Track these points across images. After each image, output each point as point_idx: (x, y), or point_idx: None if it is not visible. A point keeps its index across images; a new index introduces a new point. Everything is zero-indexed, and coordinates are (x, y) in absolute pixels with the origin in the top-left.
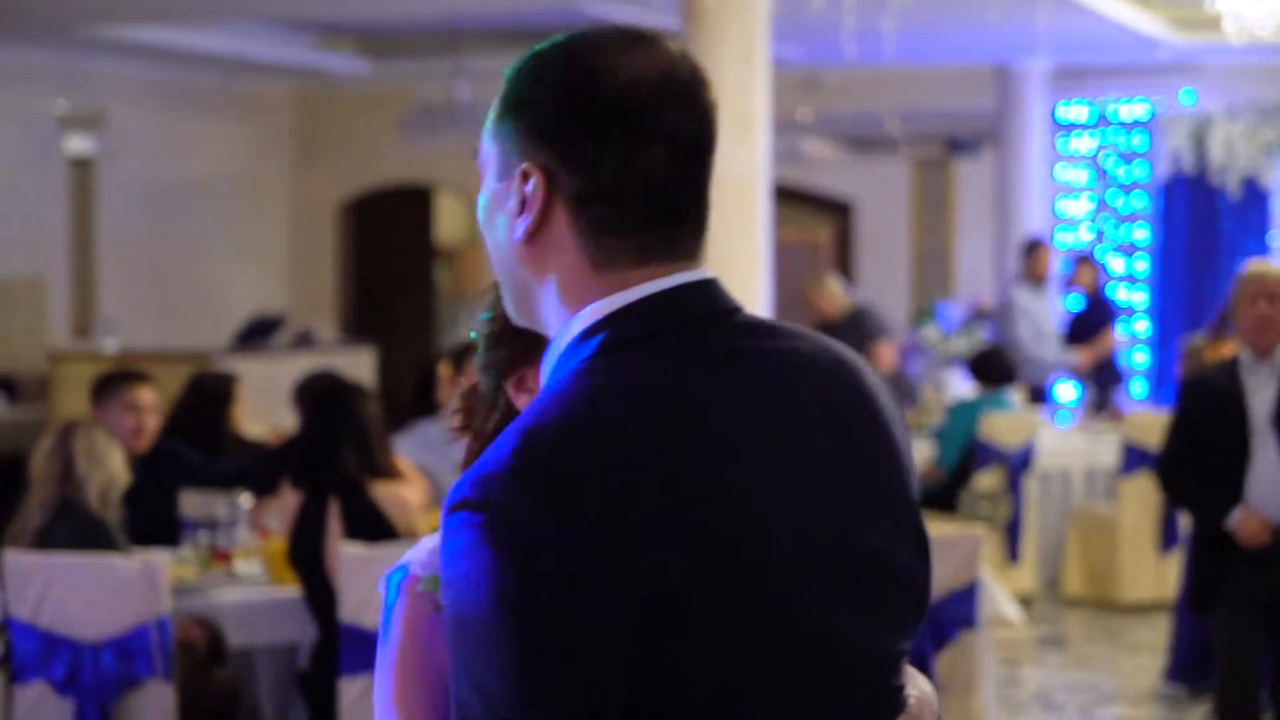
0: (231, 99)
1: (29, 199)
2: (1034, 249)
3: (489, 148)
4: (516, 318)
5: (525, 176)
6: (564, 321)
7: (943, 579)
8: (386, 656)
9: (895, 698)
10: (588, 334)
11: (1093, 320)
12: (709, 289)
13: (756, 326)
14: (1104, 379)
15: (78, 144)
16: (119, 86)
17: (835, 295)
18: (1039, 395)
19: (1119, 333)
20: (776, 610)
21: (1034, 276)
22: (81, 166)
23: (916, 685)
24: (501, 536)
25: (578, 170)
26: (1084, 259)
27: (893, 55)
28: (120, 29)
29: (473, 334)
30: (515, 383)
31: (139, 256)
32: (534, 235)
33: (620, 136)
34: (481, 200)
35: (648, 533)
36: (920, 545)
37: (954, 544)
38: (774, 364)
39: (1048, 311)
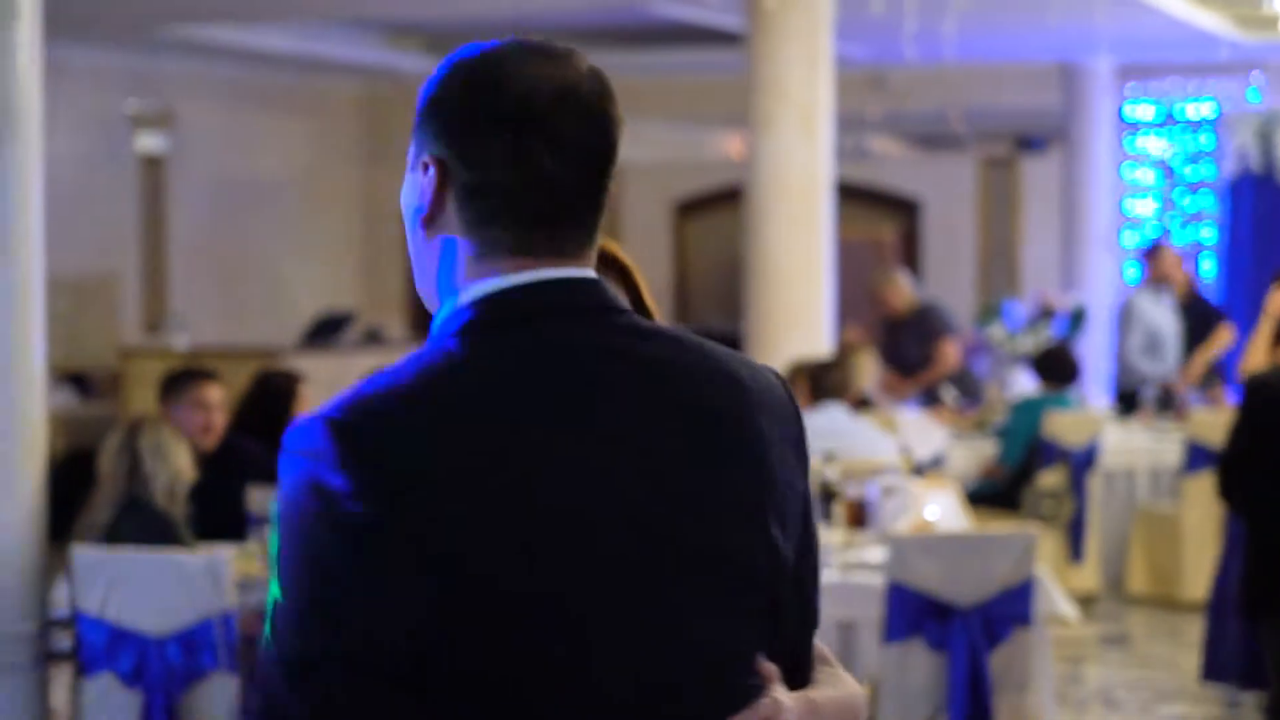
0: (301, 98)
1: (101, 197)
2: (1155, 251)
3: (412, 141)
4: (421, 297)
5: (425, 168)
6: (444, 303)
7: (998, 576)
8: None
9: (724, 692)
10: (456, 315)
11: (1196, 324)
12: (583, 286)
13: (633, 328)
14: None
15: (149, 143)
16: (189, 86)
17: (904, 291)
18: (1130, 402)
19: (1226, 331)
20: (572, 593)
21: (1156, 280)
22: (152, 165)
23: (836, 685)
24: (308, 480)
25: (469, 166)
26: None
27: (955, 54)
28: (191, 29)
29: None
30: None
31: (209, 254)
32: (428, 222)
33: (510, 138)
34: (403, 188)
35: (447, 498)
36: (773, 554)
37: (1009, 541)
38: (633, 364)
39: (1169, 318)
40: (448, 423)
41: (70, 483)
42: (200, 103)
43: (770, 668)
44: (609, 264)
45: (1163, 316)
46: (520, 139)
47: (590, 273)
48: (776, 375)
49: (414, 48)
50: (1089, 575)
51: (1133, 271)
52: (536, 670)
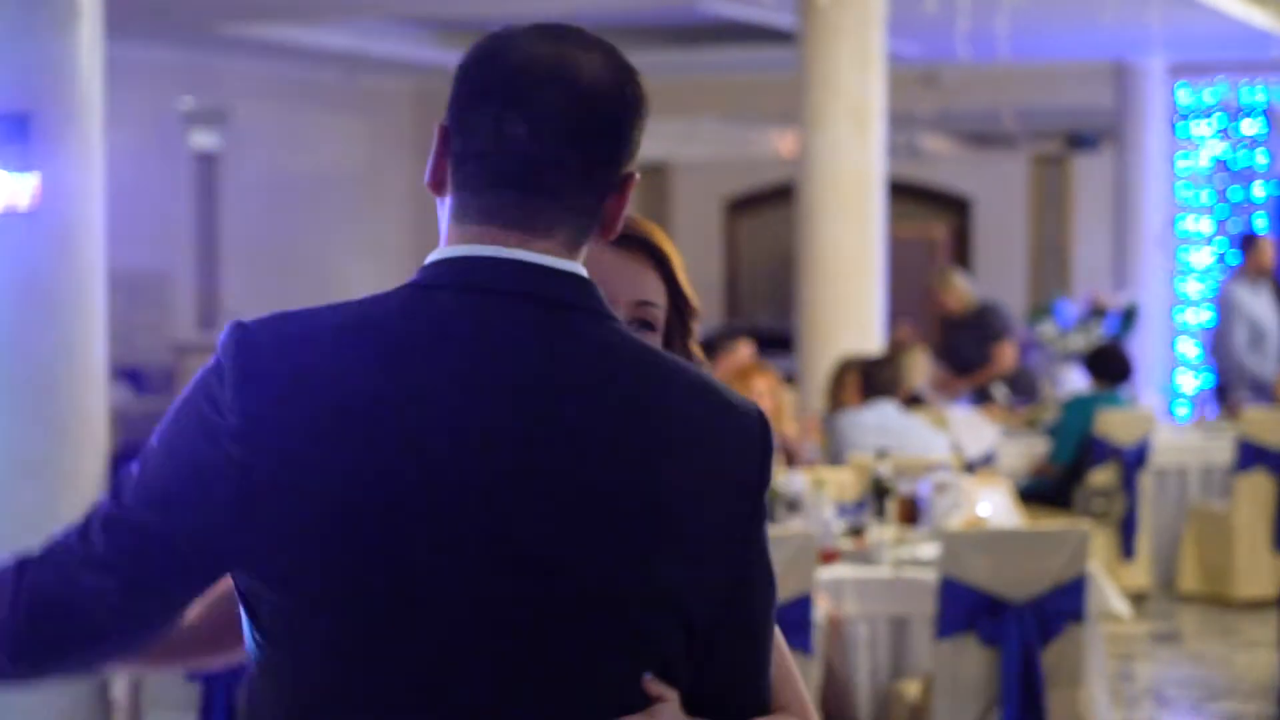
0: (354, 95)
1: (155, 194)
2: (1251, 242)
3: None
4: None
5: (435, 133)
6: None
7: (1050, 572)
8: None
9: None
10: (421, 271)
11: None
12: (516, 268)
13: (552, 323)
14: None
15: (203, 139)
16: (243, 83)
17: (961, 291)
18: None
19: None
20: (373, 553)
21: (1253, 272)
22: (206, 162)
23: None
24: (205, 375)
25: (460, 133)
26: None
27: (1007, 53)
28: (245, 27)
29: None
30: None
31: (262, 250)
32: (435, 186)
33: (495, 108)
34: None
35: (286, 433)
36: (628, 562)
37: (1062, 537)
38: (518, 356)
39: (1269, 310)
40: (319, 363)
41: None
42: (254, 100)
43: (660, 690)
44: (644, 247)
45: (1263, 308)
46: (503, 109)
47: (542, 257)
48: (756, 419)
49: (466, 45)
50: (1140, 573)
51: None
52: (350, 635)
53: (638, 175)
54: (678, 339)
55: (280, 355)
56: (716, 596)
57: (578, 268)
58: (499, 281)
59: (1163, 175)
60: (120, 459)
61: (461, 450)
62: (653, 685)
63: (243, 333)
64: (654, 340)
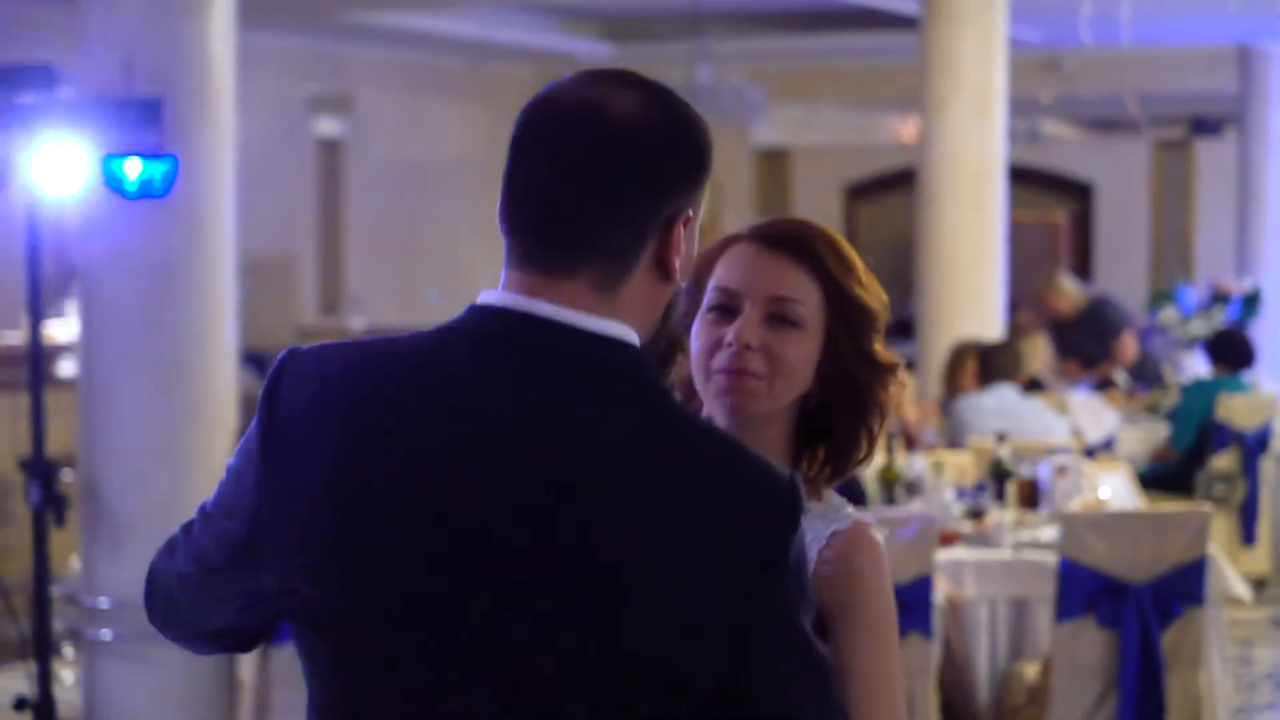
0: (477, 82)
1: (280, 180)
2: None
3: None
4: None
5: None
6: None
7: (1170, 555)
8: None
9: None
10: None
11: None
12: (523, 320)
13: (540, 382)
14: None
15: (327, 126)
16: (367, 70)
17: (1070, 293)
18: None
19: None
20: (371, 583)
21: None
22: (330, 148)
23: None
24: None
25: (504, 178)
26: None
27: (1131, 38)
28: (369, 14)
29: None
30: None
31: (385, 236)
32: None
33: (521, 148)
34: None
35: (285, 462)
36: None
37: (1183, 520)
38: (503, 410)
39: None
40: (337, 388)
41: None
42: (378, 87)
43: None
44: (790, 246)
45: None
46: (530, 150)
47: (554, 310)
48: (776, 492)
49: (589, 33)
50: (1260, 558)
51: None
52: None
53: (692, 215)
54: (845, 339)
55: (306, 380)
56: (719, 665)
57: (593, 322)
58: (509, 336)
59: None
60: None
61: (435, 496)
62: None
63: (287, 356)
64: (798, 337)
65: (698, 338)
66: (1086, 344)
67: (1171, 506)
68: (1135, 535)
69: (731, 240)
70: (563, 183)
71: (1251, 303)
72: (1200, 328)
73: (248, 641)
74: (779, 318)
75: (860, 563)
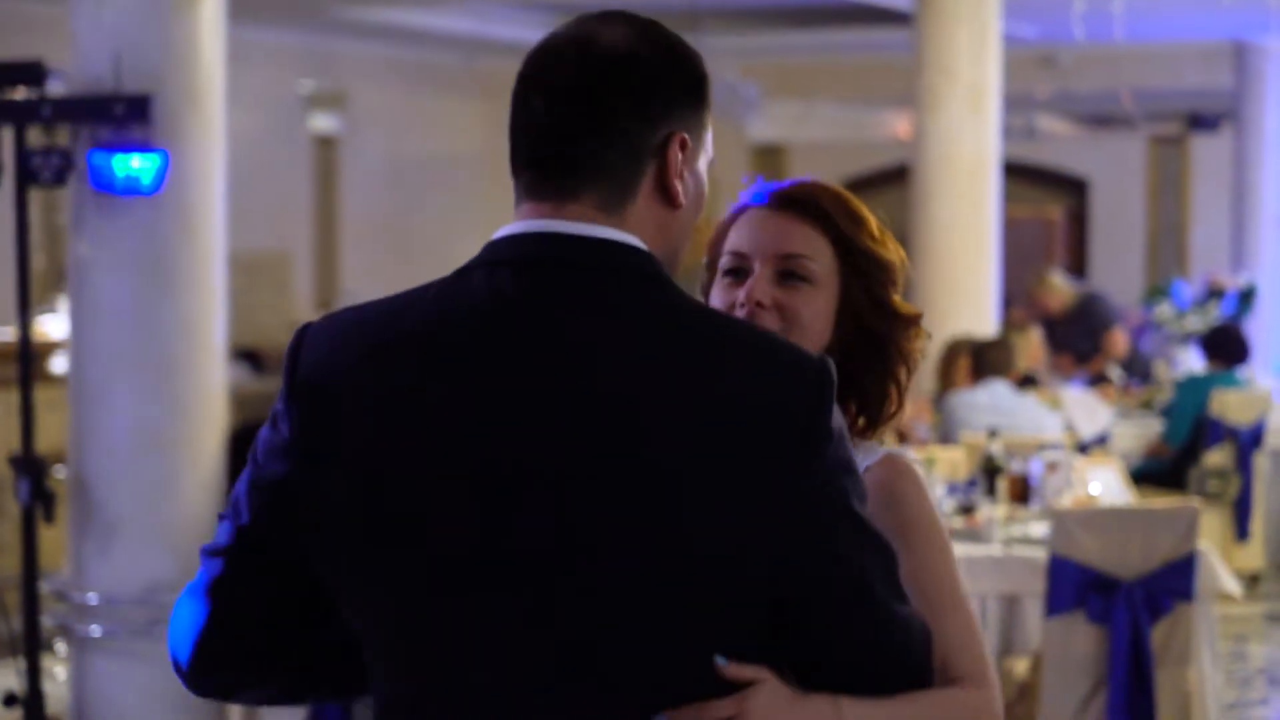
0: (471, 78)
1: (275, 176)
2: None
3: None
4: None
5: None
6: None
7: (1160, 551)
8: None
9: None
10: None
11: None
12: (537, 239)
13: (568, 286)
14: None
15: (322, 123)
16: (362, 66)
17: (1061, 291)
18: None
19: None
20: (391, 509)
21: None
22: (325, 144)
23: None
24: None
25: (509, 122)
26: None
27: (1125, 34)
28: (364, 10)
29: None
30: None
31: (380, 232)
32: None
33: (521, 90)
34: None
35: (320, 414)
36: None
37: (1173, 516)
38: (524, 327)
39: None
40: (350, 348)
41: (243, 458)
42: (373, 83)
43: (745, 672)
44: (798, 205)
45: None
46: (526, 87)
47: (568, 225)
48: (808, 367)
49: None
50: (1254, 554)
51: None
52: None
53: (688, 141)
54: (859, 291)
55: (323, 337)
56: (777, 547)
57: (601, 230)
58: (524, 255)
59: None
60: (238, 439)
61: (467, 429)
62: (734, 669)
63: (303, 327)
64: (810, 292)
65: (714, 303)
66: (1077, 340)
67: (1161, 502)
68: (1125, 531)
69: (743, 208)
70: (556, 112)
71: (1247, 298)
72: (1195, 323)
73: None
74: (789, 274)
75: (902, 487)
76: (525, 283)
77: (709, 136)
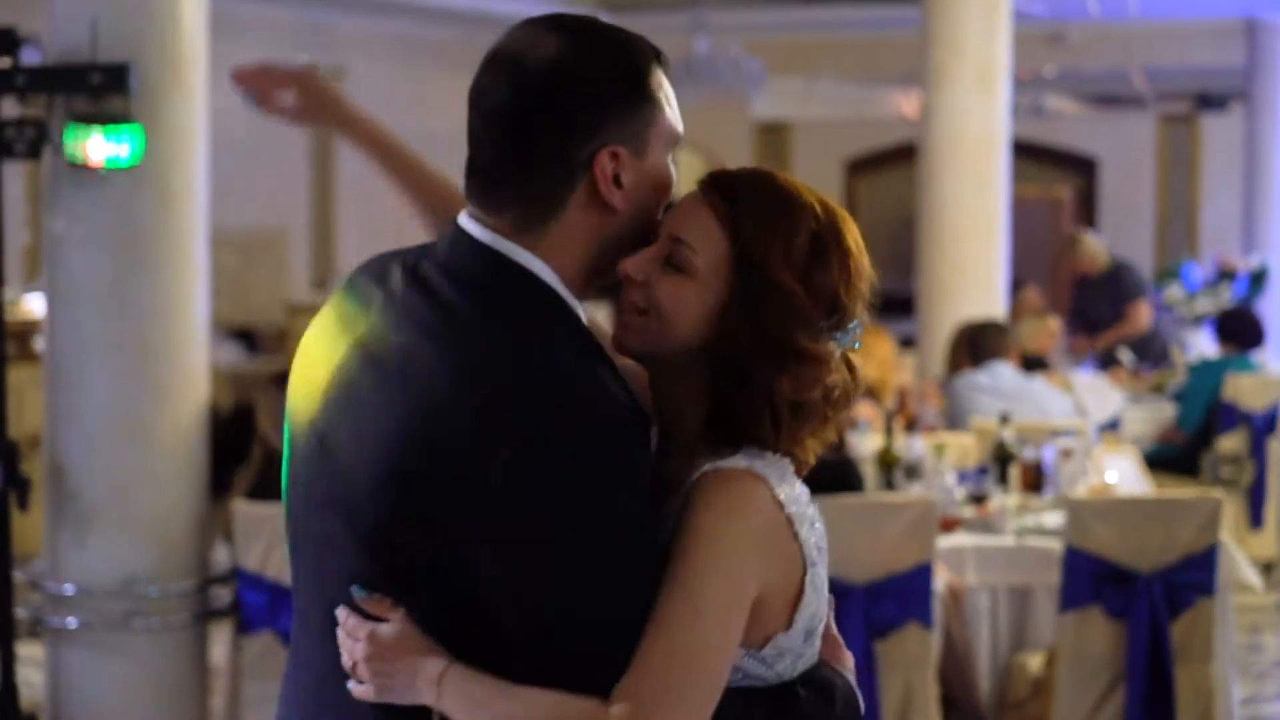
0: (470, 54)
1: (272, 153)
2: None
3: None
4: None
5: None
6: None
7: (1180, 543)
8: None
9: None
10: None
11: None
12: (438, 242)
13: (423, 277)
14: None
15: None
16: (360, 41)
17: (1094, 252)
18: None
19: None
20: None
21: None
22: None
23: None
24: None
25: None
26: None
27: (1136, 11)
28: None
29: None
30: None
31: (378, 210)
32: None
33: (469, 98)
34: None
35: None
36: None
37: (1194, 507)
38: (398, 320)
39: None
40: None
41: (236, 438)
42: (370, 58)
43: (378, 602)
44: (715, 189)
45: None
46: (469, 99)
47: (465, 223)
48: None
49: (585, 3)
50: (1269, 542)
51: None
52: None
53: (619, 151)
54: (738, 303)
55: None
56: (507, 563)
57: (506, 246)
58: (440, 250)
59: None
60: (231, 419)
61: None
62: (368, 601)
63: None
64: (681, 283)
65: None
66: (1100, 306)
67: (1181, 492)
68: (1144, 522)
69: None
70: (486, 131)
71: (1258, 280)
72: (1206, 305)
73: None
74: (669, 259)
75: (707, 497)
76: (419, 275)
77: (660, 127)
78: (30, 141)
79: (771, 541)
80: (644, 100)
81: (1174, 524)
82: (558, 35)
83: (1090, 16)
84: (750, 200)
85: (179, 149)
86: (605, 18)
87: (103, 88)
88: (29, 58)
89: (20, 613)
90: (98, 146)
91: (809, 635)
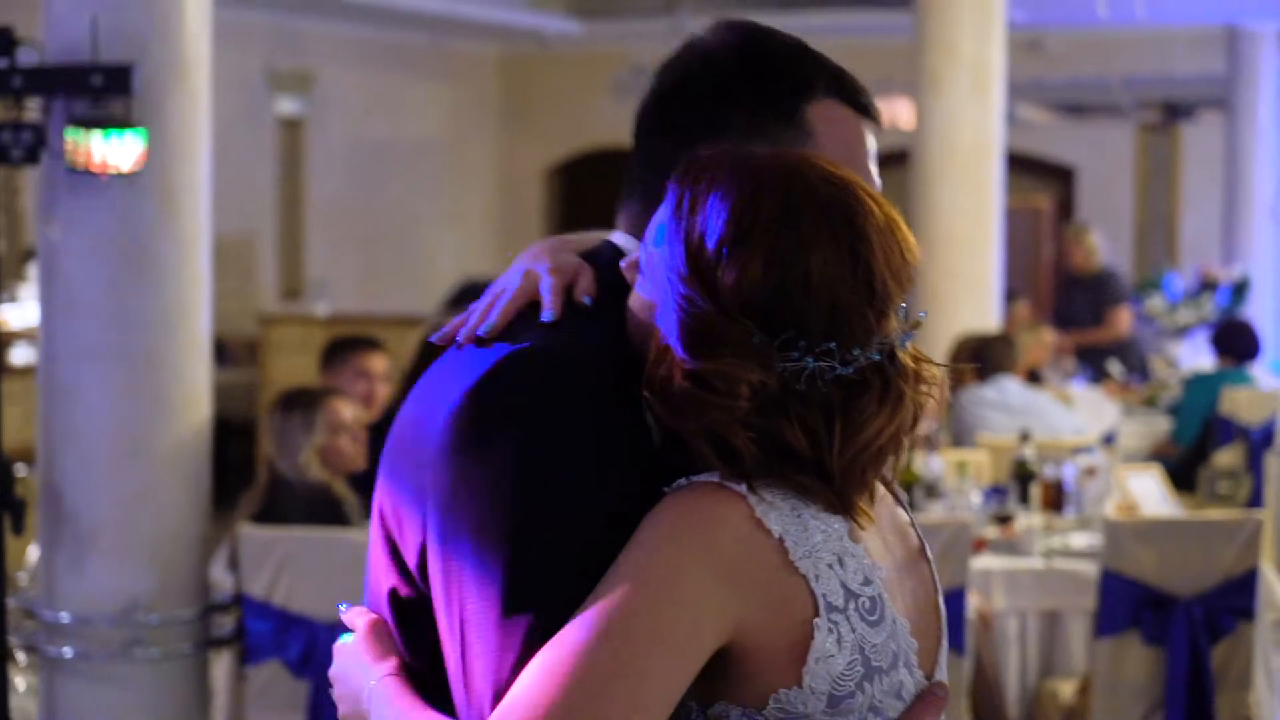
0: (440, 59)
1: (240, 159)
2: None
3: None
4: None
5: None
6: None
7: (1221, 566)
8: None
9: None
10: None
11: None
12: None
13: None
14: None
15: (287, 105)
16: (328, 46)
17: (1092, 251)
18: None
19: None
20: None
21: None
22: (291, 127)
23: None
24: None
25: None
26: None
27: (1112, 18)
28: None
29: None
30: None
31: (346, 218)
32: None
33: None
34: None
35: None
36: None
37: (1235, 529)
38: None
39: None
40: None
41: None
42: (339, 65)
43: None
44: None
45: None
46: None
47: (613, 233)
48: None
49: (555, 9)
50: (1265, 557)
51: None
52: None
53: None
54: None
55: None
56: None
57: (616, 235)
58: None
59: (1274, 143)
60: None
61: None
62: (347, 614)
63: None
64: (638, 280)
65: None
66: (1083, 307)
67: (1221, 513)
68: (1183, 544)
69: None
70: (638, 122)
71: (1240, 291)
72: (1188, 316)
73: None
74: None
75: (660, 509)
76: None
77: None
78: (27, 147)
79: (742, 569)
80: (778, 119)
81: (1214, 546)
82: (727, 34)
83: (1070, 24)
84: (689, 177)
85: (183, 154)
86: (578, 24)
87: (104, 90)
88: (25, 59)
89: (13, 640)
90: (98, 151)
91: (838, 702)
